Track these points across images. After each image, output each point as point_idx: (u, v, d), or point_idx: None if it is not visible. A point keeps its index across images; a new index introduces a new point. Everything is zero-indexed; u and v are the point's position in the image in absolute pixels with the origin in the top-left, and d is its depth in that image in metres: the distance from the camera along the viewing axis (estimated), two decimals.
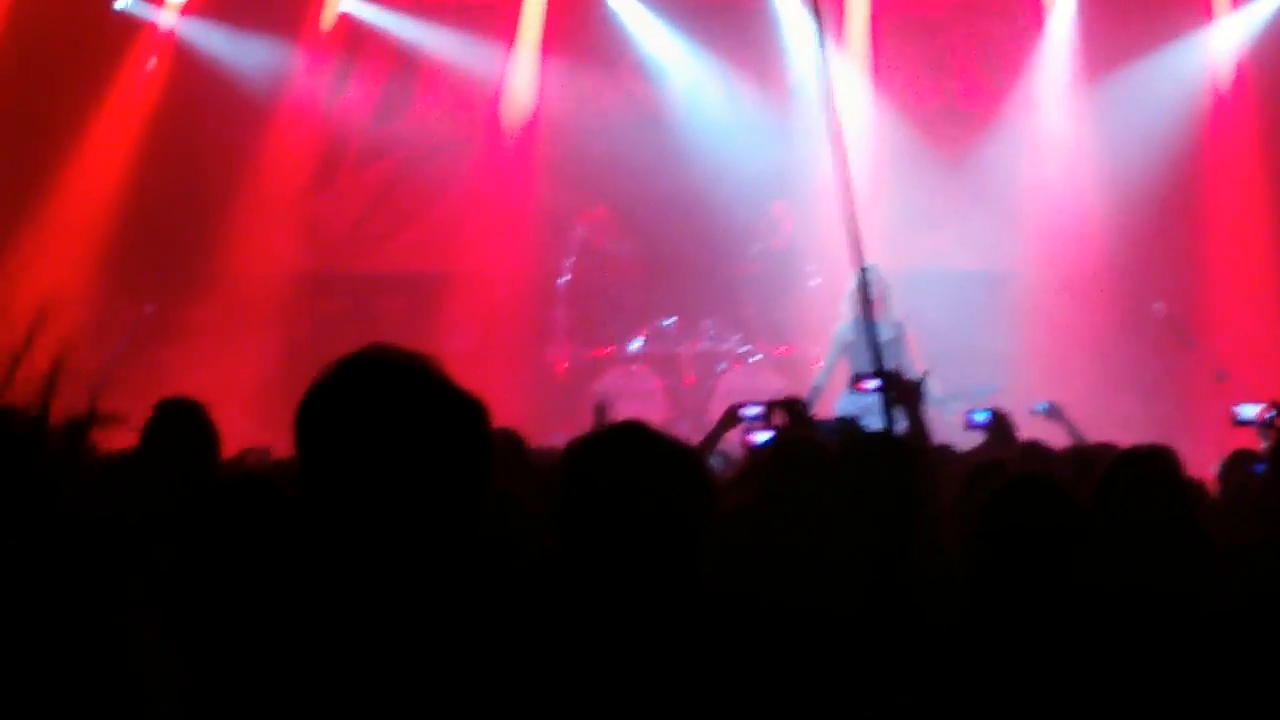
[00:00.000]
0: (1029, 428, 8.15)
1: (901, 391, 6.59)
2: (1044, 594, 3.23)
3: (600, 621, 2.52)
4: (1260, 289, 12.95)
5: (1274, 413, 7.02)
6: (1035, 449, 6.22)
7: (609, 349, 13.01)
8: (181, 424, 4.90)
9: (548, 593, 2.57)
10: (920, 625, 1.99)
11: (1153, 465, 4.08)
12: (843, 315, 10.76)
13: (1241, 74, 13.21)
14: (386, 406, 1.99)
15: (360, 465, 1.97)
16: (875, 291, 10.34)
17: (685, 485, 2.62)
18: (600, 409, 8.63)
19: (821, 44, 12.66)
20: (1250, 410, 7.16)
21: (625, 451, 2.65)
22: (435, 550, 2.00)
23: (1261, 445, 6.56)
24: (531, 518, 3.78)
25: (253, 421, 8.90)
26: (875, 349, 9.94)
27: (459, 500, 2.02)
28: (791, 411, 6.51)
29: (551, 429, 10.16)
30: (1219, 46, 13.21)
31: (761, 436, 6.18)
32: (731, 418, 6.65)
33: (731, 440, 6.86)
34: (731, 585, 3.26)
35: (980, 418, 7.61)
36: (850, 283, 10.90)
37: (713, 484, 2.85)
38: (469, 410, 2.04)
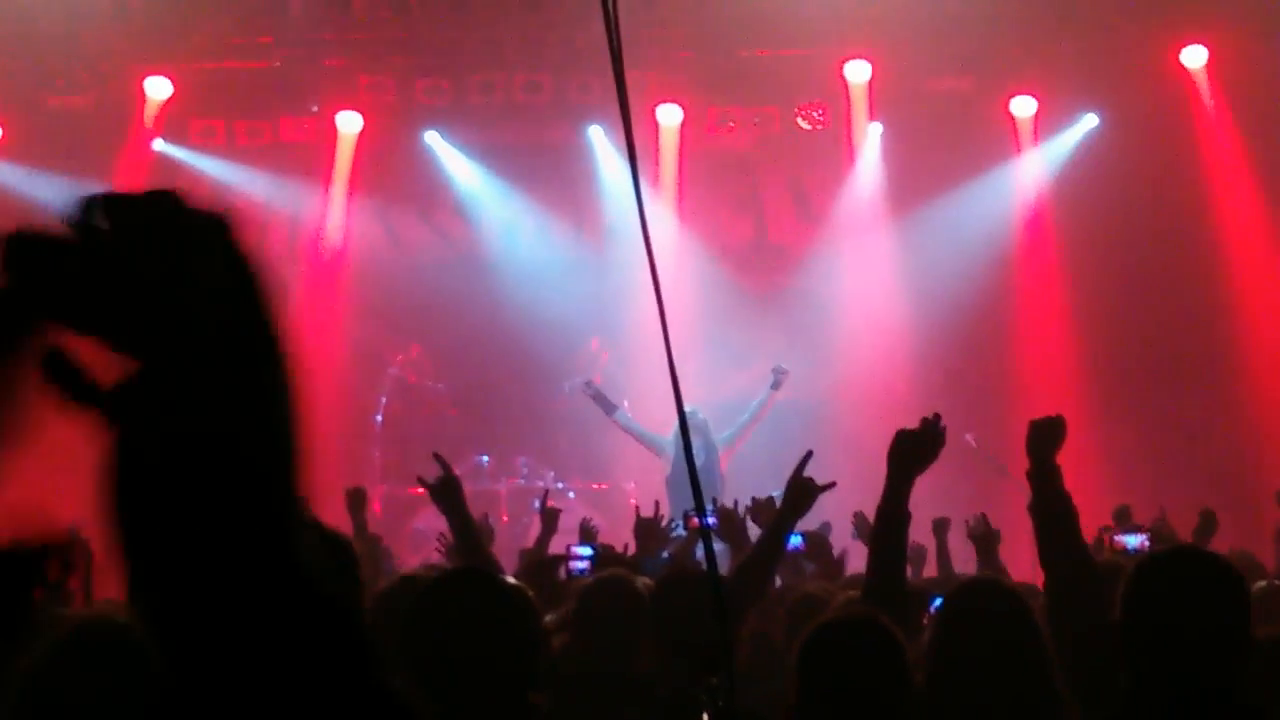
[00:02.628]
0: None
1: (728, 527, 6.62)
2: None
3: None
4: (1070, 417, 13.10)
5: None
6: (858, 580, 6.10)
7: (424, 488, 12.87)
8: None
9: None
10: None
11: (992, 597, 3.79)
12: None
13: (1042, 207, 13.50)
14: None
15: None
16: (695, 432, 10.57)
17: (521, 625, 2.92)
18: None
19: (637, 180, 12.72)
20: (1134, 540, 6.74)
21: (468, 594, 2.92)
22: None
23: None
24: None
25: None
26: (697, 491, 10.06)
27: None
28: (614, 556, 6.50)
29: None
30: (1024, 180, 13.51)
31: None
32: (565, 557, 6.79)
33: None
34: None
35: (793, 542, 7.52)
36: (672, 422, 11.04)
37: (541, 624, 3.25)
38: None
